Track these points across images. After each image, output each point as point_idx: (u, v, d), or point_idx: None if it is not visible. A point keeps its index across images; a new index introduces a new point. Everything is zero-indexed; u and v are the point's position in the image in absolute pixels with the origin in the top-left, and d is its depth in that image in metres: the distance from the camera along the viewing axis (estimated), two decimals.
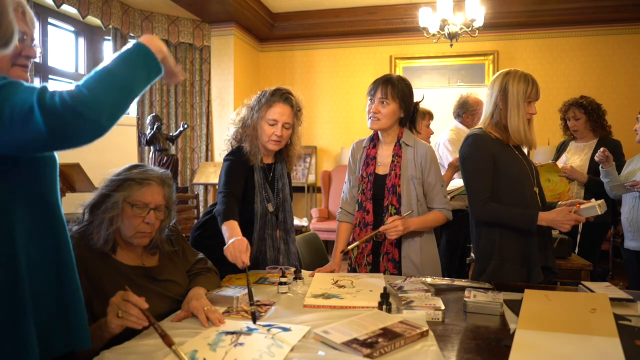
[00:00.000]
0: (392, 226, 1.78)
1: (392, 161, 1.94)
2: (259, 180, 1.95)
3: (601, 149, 2.64)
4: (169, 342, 1.11)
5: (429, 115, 2.96)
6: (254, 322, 1.27)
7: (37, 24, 1.04)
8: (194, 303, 1.36)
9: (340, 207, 2.10)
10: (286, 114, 1.92)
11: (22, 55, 1.01)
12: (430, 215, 1.92)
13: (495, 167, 1.81)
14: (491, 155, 1.81)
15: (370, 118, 1.93)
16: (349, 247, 1.91)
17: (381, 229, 1.81)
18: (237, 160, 1.94)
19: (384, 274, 1.88)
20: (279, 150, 2.03)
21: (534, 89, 1.79)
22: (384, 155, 1.99)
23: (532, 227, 1.73)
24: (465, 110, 3.23)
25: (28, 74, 1.05)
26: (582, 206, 1.71)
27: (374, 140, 2.03)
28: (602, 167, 2.67)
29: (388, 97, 1.89)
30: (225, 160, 1.97)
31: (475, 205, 1.83)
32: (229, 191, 1.84)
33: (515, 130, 1.79)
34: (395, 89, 1.89)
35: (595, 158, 2.67)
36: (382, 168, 1.97)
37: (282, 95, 1.93)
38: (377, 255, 1.93)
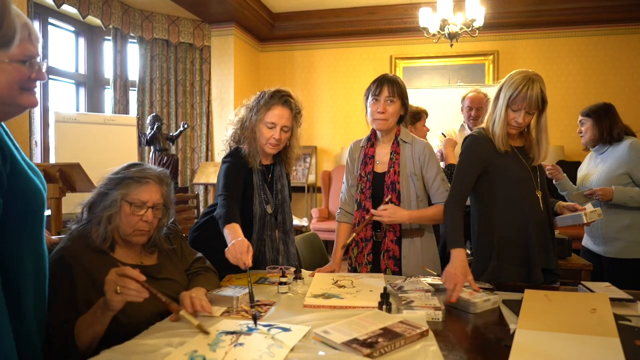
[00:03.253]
0: (378, 213, 1.80)
1: (391, 158, 1.94)
2: (257, 181, 1.94)
3: (549, 166, 2.56)
4: (176, 309, 1.15)
5: (425, 114, 2.93)
6: (255, 323, 1.27)
7: (40, 40, 1.04)
8: (186, 298, 1.36)
9: (340, 208, 2.10)
10: (285, 117, 1.90)
11: (31, 79, 1.01)
12: (430, 210, 1.91)
13: (490, 168, 1.80)
14: (480, 157, 1.80)
15: (376, 119, 1.91)
16: (347, 241, 1.92)
17: (372, 211, 1.82)
18: (236, 162, 1.92)
19: (385, 272, 1.89)
20: (278, 152, 2.02)
21: (518, 96, 1.70)
22: (382, 153, 1.99)
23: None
24: (462, 106, 3.20)
25: (36, 95, 1.05)
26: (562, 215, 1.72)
27: (372, 139, 2.03)
28: (555, 181, 2.64)
29: (395, 96, 1.89)
30: (223, 162, 1.95)
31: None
32: (229, 194, 1.82)
33: (495, 135, 1.79)
34: (398, 87, 1.91)
35: (548, 174, 2.55)
36: (381, 166, 1.97)
37: (282, 98, 1.91)
38: (378, 254, 1.93)
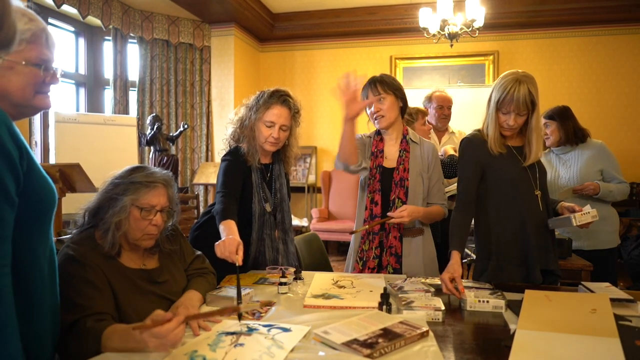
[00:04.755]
0: (399, 215, 1.83)
1: (400, 155, 1.98)
2: (256, 180, 1.96)
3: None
4: (231, 310, 1.19)
5: (421, 114, 2.90)
6: (239, 319, 1.28)
7: (57, 44, 1.05)
8: (180, 310, 1.32)
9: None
10: (283, 116, 1.92)
11: (45, 82, 1.02)
12: (434, 208, 1.99)
13: (487, 170, 1.81)
14: (476, 160, 1.82)
15: (375, 119, 1.98)
16: (357, 230, 1.98)
17: (390, 214, 1.86)
18: (235, 160, 1.94)
19: (386, 268, 1.92)
20: (277, 151, 2.03)
21: (505, 99, 1.70)
22: (391, 151, 2.03)
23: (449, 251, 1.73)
24: (429, 106, 3.13)
25: (50, 98, 1.05)
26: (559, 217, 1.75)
27: (380, 134, 2.07)
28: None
29: (382, 93, 1.96)
30: (223, 160, 1.97)
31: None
32: (228, 191, 1.84)
33: (489, 137, 1.79)
34: (383, 83, 1.98)
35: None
36: (389, 162, 2.01)
37: (280, 97, 1.94)
38: (382, 250, 1.97)
